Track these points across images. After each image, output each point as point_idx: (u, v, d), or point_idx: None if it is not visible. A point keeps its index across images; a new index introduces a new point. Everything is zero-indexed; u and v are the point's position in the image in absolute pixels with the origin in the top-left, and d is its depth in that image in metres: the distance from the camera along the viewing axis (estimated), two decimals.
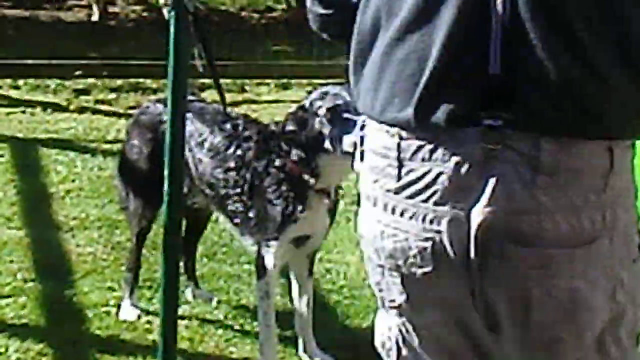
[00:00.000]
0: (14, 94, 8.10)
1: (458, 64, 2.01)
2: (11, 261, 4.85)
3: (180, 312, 3.70)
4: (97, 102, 7.97)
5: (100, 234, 5.24)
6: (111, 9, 11.57)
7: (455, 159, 2.02)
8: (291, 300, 4.16)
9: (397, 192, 2.09)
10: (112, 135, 7.06)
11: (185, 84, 3.27)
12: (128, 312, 4.33)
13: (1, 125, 7.19)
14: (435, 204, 2.05)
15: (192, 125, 4.00)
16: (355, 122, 2.44)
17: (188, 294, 4.48)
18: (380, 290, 2.25)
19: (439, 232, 2.06)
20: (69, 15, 11.49)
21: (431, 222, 2.06)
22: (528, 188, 2.00)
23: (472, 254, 2.04)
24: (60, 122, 7.33)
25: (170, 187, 3.30)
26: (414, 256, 2.11)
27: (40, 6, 11.57)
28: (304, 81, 8.85)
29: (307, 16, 2.41)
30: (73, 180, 6.04)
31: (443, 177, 2.03)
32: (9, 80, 8.28)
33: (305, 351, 4.05)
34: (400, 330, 2.27)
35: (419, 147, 2.06)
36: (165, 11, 3.24)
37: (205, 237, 4.76)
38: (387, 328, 2.32)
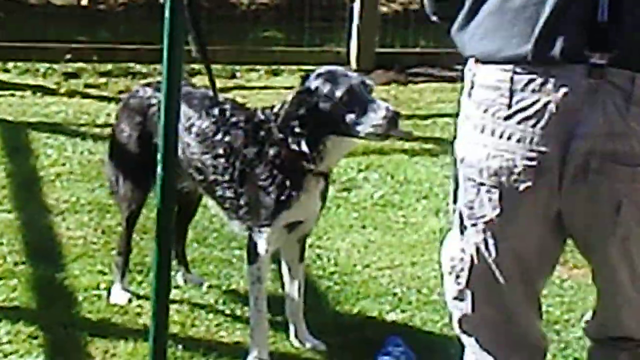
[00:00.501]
0: (3, 77, 8.07)
1: (571, 11, 2.45)
2: (1, 244, 4.85)
3: (170, 296, 3.69)
4: (87, 86, 7.95)
5: (90, 217, 5.24)
6: None
7: (563, 90, 2.48)
8: (282, 285, 4.17)
9: (507, 118, 2.55)
10: (102, 119, 7.04)
11: (180, 68, 3.26)
12: (119, 296, 4.34)
13: None
14: (542, 128, 2.50)
15: (180, 109, 3.98)
16: (371, 101, 3.43)
17: (179, 278, 4.49)
18: (471, 208, 2.66)
19: (543, 152, 2.51)
20: None
21: (537, 144, 2.51)
22: (622, 116, 2.47)
23: (571, 172, 2.50)
24: (51, 106, 7.31)
25: (164, 170, 3.30)
26: (519, 173, 2.54)
27: None
28: (294, 67, 8.86)
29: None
30: (63, 164, 6.03)
31: (551, 106, 2.50)
32: None
33: (296, 336, 4.06)
34: (478, 248, 2.67)
35: (531, 80, 2.51)
36: None
37: (196, 221, 4.76)
38: (459, 250, 2.72)
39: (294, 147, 3.70)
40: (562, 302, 4.48)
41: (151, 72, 8.27)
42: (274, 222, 3.79)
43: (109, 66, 8.39)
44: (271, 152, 3.77)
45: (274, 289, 4.40)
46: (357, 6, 8.87)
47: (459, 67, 10.22)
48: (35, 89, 7.72)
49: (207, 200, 4.22)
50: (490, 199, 2.63)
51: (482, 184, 2.63)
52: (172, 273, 3.91)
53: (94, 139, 6.51)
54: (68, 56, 8.25)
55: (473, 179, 2.65)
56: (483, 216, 2.65)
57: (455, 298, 2.79)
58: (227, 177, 3.89)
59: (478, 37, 2.63)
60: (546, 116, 2.51)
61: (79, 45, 8.61)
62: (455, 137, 2.82)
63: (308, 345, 4.05)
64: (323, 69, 3.79)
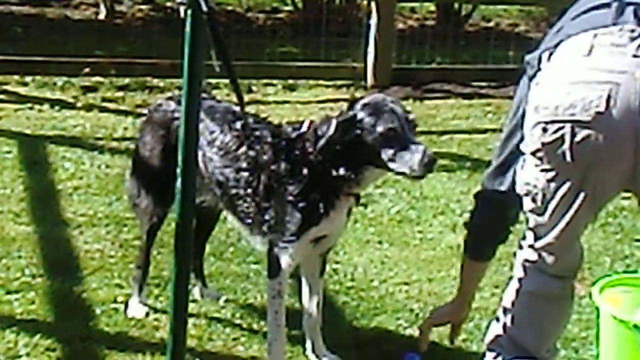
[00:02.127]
0: (22, 90, 8.11)
1: None
2: (19, 257, 4.86)
3: (188, 310, 3.70)
4: (104, 100, 7.99)
5: (108, 230, 5.26)
6: (118, 8, 11.58)
7: None
8: (299, 299, 4.17)
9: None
10: (119, 133, 7.07)
11: (200, 82, 3.27)
12: (136, 309, 4.34)
13: (9, 121, 7.21)
14: None
15: (202, 123, 4.00)
16: (411, 141, 3.62)
17: (196, 292, 4.50)
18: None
19: None
20: (76, 13, 11.50)
21: None
22: None
23: None
24: (68, 119, 7.34)
25: (184, 184, 3.31)
26: None
27: (47, 4, 11.60)
28: (311, 82, 8.88)
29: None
30: (81, 178, 6.05)
31: None
32: (16, 77, 8.30)
33: (313, 351, 4.06)
34: None
35: None
36: (181, 9, 3.23)
37: (213, 236, 4.77)
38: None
39: (333, 171, 3.70)
40: (580, 319, 4.46)
41: (168, 86, 8.31)
42: (301, 237, 3.78)
43: (126, 80, 8.43)
44: (305, 171, 3.76)
45: (289, 303, 4.40)
46: (373, 22, 8.89)
47: (475, 83, 10.26)
48: (53, 102, 7.75)
49: (226, 214, 4.22)
50: None
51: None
52: (190, 287, 3.92)
53: (111, 152, 6.53)
54: (86, 70, 8.29)
55: None
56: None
57: None
58: (249, 191, 3.89)
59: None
60: None
61: (96, 59, 8.65)
62: None
63: None
64: (371, 98, 3.76)
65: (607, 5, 3.20)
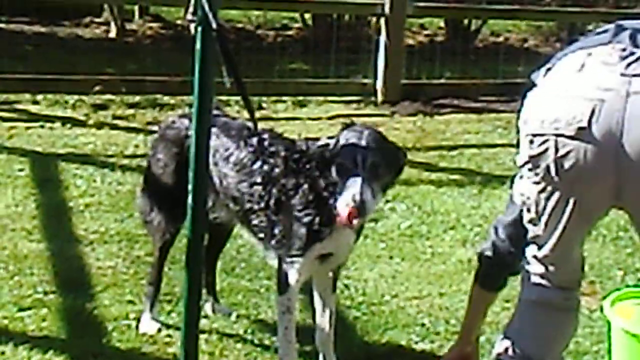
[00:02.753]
0: (33, 109, 8.16)
1: None
2: (32, 274, 4.88)
3: (199, 326, 3.71)
4: (115, 117, 8.02)
5: (119, 247, 5.27)
6: (128, 26, 11.64)
7: None
8: (312, 315, 4.18)
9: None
10: (130, 150, 7.10)
11: (211, 99, 3.30)
12: (148, 326, 4.35)
13: (21, 139, 7.24)
14: None
15: (218, 140, 4.02)
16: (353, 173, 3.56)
17: (207, 308, 4.50)
18: None
19: None
20: (87, 32, 11.57)
21: None
22: None
23: None
24: (80, 137, 7.38)
25: (195, 201, 3.33)
26: None
27: (58, 23, 11.66)
28: (321, 98, 8.90)
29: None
30: (92, 195, 6.08)
31: None
32: (28, 96, 8.35)
33: None
34: None
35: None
36: (192, 26, 3.25)
37: (224, 252, 4.77)
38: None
39: (329, 188, 3.71)
40: (592, 332, 4.46)
41: (178, 103, 8.34)
42: (305, 253, 3.79)
43: (137, 98, 8.47)
44: (306, 185, 3.78)
45: (301, 318, 4.41)
46: (383, 38, 8.92)
47: (485, 98, 10.26)
48: (65, 120, 7.79)
49: (239, 230, 4.23)
50: None
51: None
52: (201, 303, 3.93)
53: (122, 169, 6.56)
54: (96, 88, 8.33)
55: None
56: None
57: None
58: (262, 206, 3.91)
59: None
60: None
61: (107, 77, 8.70)
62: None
63: None
64: (360, 125, 3.78)
65: (607, 30, 3.28)
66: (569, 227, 3.27)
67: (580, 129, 3.09)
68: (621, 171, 3.12)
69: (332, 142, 3.75)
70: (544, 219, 3.30)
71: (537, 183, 3.26)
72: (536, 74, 3.39)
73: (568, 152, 3.13)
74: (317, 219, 3.75)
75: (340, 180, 3.62)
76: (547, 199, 3.26)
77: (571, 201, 3.22)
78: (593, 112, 3.07)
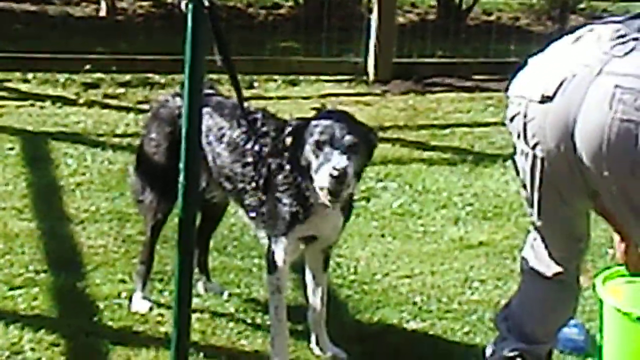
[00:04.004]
0: (23, 87, 8.12)
1: None
2: (23, 252, 4.87)
3: (191, 305, 3.71)
4: (105, 96, 7.99)
5: (110, 226, 5.27)
6: (119, 4, 11.59)
7: None
8: (304, 294, 4.18)
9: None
10: (121, 129, 7.08)
11: (202, 77, 3.28)
12: (140, 304, 4.35)
13: (11, 118, 7.22)
14: None
15: (212, 120, 4.01)
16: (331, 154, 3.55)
17: (199, 287, 4.50)
18: None
19: None
20: (77, 10, 11.52)
21: None
22: None
23: None
24: (70, 116, 7.35)
25: (186, 180, 3.31)
26: None
27: (48, 1, 11.61)
28: (312, 77, 8.88)
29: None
30: (83, 174, 6.06)
31: None
32: (18, 74, 8.31)
33: (317, 344, 4.07)
34: None
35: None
36: (183, 4, 3.23)
37: (216, 231, 4.77)
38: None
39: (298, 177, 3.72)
40: (584, 310, 4.47)
41: (169, 82, 8.32)
42: (288, 233, 3.79)
43: (128, 77, 8.44)
44: (287, 166, 3.78)
45: (293, 297, 4.41)
46: (374, 17, 8.90)
47: (476, 77, 10.23)
48: (55, 99, 7.76)
49: (231, 209, 4.22)
50: None
51: None
52: (193, 282, 3.93)
53: (113, 148, 6.54)
54: (87, 67, 8.30)
55: None
56: None
57: None
58: (253, 185, 3.90)
59: None
60: None
61: (98, 56, 8.66)
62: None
63: (329, 353, 4.06)
64: (329, 110, 3.79)
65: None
66: (542, 193, 3.30)
67: (545, 97, 3.12)
68: (576, 150, 3.12)
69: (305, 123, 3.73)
70: (527, 181, 3.34)
71: (521, 153, 3.30)
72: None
73: (532, 118, 3.18)
74: (296, 203, 3.74)
75: (318, 157, 3.59)
76: (524, 161, 3.30)
77: (538, 163, 3.25)
78: (562, 83, 3.09)
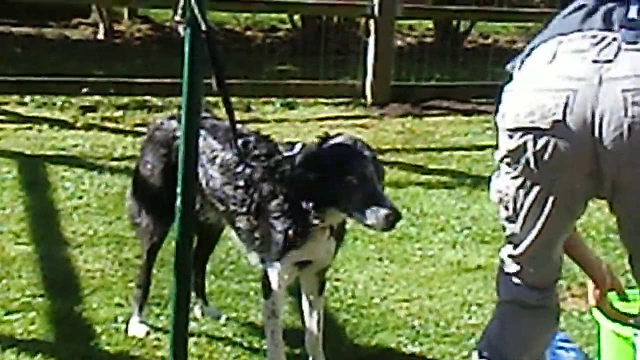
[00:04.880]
0: (21, 110, 8.14)
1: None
2: (20, 276, 4.86)
3: (188, 329, 3.70)
4: (103, 119, 8.01)
5: (108, 250, 5.26)
6: (117, 27, 11.63)
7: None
8: (301, 317, 4.17)
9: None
10: (118, 152, 7.09)
11: (199, 101, 3.29)
12: (137, 329, 4.34)
13: (9, 141, 7.22)
14: None
15: (205, 142, 4.01)
16: (380, 196, 3.62)
17: (196, 311, 4.49)
18: None
19: None
20: (75, 33, 11.55)
21: None
22: None
23: None
24: (67, 139, 7.36)
25: (183, 203, 3.31)
26: None
27: (46, 24, 11.64)
28: (310, 100, 8.90)
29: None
30: (80, 197, 6.06)
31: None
32: (16, 97, 8.34)
33: None
34: None
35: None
36: (180, 28, 3.24)
37: (213, 254, 4.76)
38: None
39: (301, 203, 3.69)
40: (582, 334, 4.46)
41: (167, 105, 8.33)
42: (282, 259, 3.79)
43: (125, 99, 8.47)
44: (282, 192, 3.76)
45: (290, 321, 4.40)
46: (372, 40, 8.92)
47: (474, 100, 10.25)
48: (53, 122, 7.77)
49: (227, 232, 4.22)
50: None
51: None
52: (190, 306, 3.92)
53: (110, 171, 6.54)
54: (85, 90, 8.31)
55: None
56: None
57: None
58: (244, 209, 3.90)
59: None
60: None
61: (95, 78, 8.68)
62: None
63: None
64: (343, 139, 3.74)
65: (582, 7, 3.22)
66: (548, 222, 3.21)
67: (555, 121, 3.04)
68: (599, 159, 3.06)
69: (317, 152, 3.70)
70: (522, 215, 3.24)
71: (516, 177, 3.20)
72: (511, 64, 3.34)
73: (546, 145, 3.09)
74: (292, 228, 3.73)
75: (359, 198, 3.58)
76: (526, 194, 3.20)
77: (551, 195, 3.17)
78: (567, 104, 3.02)
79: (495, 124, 3.30)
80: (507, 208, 3.27)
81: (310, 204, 3.68)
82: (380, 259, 5.34)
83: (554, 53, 3.11)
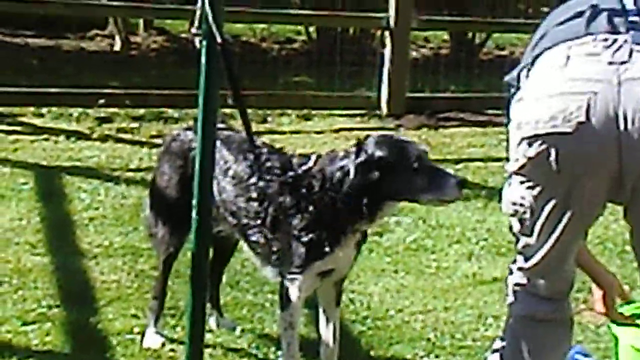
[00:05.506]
0: (37, 122, 8.16)
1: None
2: (36, 287, 4.87)
3: (204, 340, 3.70)
4: (119, 130, 8.03)
5: (124, 261, 5.26)
6: (133, 39, 11.66)
7: None
8: (317, 329, 4.16)
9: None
10: (134, 163, 7.10)
11: (215, 112, 3.29)
12: (152, 340, 4.33)
13: (25, 152, 7.24)
14: None
15: (218, 153, 4.01)
16: (439, 170, 3.71)
17: (212, 322, 4.49)
18: None
19: None
20: (92, 45, 11.59)
21: None
22: None
23: None
24: (84, 150, 7.38)
25: (199, 214, 3.32)
26: None
27: (63, 36, 11.68)
28: (325, 112, 8.90)
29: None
30: (96, 208, 6.07)
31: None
32: (32, 109, 8.36)
33: None
34: None
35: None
36: (197, 41, 3.25)
37: (229, 266, 4.76)
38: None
39: (347, 210, 3.70)
40: (598, 348, 4.44)
41: (183, 116, 8.34)
42: (306, 270, 3.78)
43: (142, 111, 8.47)
44: (310, 207, 3.75)
45: (306, 332, 4.39)
46: (387, 51, 8.92)
47: (490, 111, 10.23)
48: (69, 133, 7.79)
49: (241, 244, 4.22)
50: None
51: None
52: (206, 317, 3.91)
53: (127, 183, 6.55)
54: (101, 101, 8.33)
55: None
56: None
57: None
58: (258, 222, 3.89)
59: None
60: None
61: (111, 90, 8.71)
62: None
63: None
64: (381, 136, 3.78)
65: (581, 14, 3.21)
66: (565, 232, 3.19)
67: (579, 123, 3.03)
68: (623, 159, 3.06)
69: (365, 157, 3.69)
70: (538, 225, 3.21)
71: (533, 187, 3.18)
72: (511, 76, 3.34)
73: (569, 149, 3.07)
74: (320, 241, 3.74)
75: (424, 179, 3.65)
76: (544, 204, 3.17)
77: (569, 203, 3.14)
78: (589, 105, 3.02)
79: (507, 135, 3.28)
80: (522, 220, 3.25)
81: (362, 209, 3.68)
82: (395, 271, 5.33)
83: (566, 57, 3.11)
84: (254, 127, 7.51)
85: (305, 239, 3.75)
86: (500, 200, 3.38)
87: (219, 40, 3.16)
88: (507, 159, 3.32)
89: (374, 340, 4.51)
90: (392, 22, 8.84)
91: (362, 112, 8.94)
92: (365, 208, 3.68)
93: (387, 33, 8.97)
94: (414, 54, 10.94)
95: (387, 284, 5.15)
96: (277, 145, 4.16)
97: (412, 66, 9.40)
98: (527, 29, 10.83)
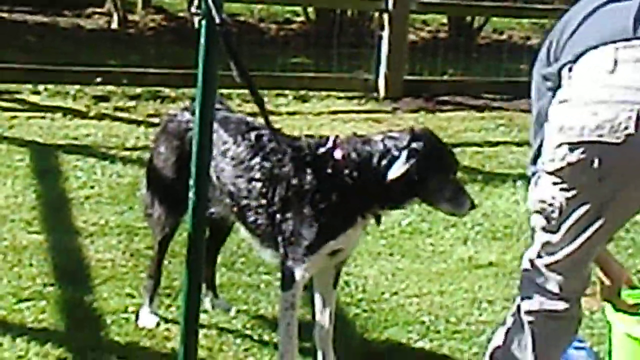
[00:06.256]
0: (34, 99, 8.14)
1: None
2: (31, 265, 4.86)
3: (199, 321, 3.69)
4: (116, 109, 8.01)
5: (119, 240, 5.25)
6: (131, 17, 11.62)
7: None
8: (312, 312, 4.16)
9: None
10: (131, 142, 7.09)
11: (214, 93, 3.27)
12: (147, 319, 4.34)
13: (21, 130, 7.23)
14: None
15: (215, 134, 3.99)
16: (462, 191, 3.76)
17: (207, 303, 4.48)
18: None
19: None
20: (89, 23, 11.54)
21: None
22: None
23: None
24: (80, 128, 7.36)
25: (196, 195, 3.31)
26: None
27: (60, 13, 11.64)
28: (323, 94, 8.89)
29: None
30: (92, 187, 6.06)
31: None
32: (29, 86, 8.33)
33: None
34: None
35: None
36: (196, 20, 3.23)
37: (224, 247, 4.75)
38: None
39: (379, 196, 3.73)
40: (592, 334, 4.45)
41: (180, 95, 8.33)
42: (318, 250, 3.77)
43: (139, 90, 8.45)
44: (332, 189, 3.74)
45: (301, 314, 4.38)
46: (385, 34, 8.90)
47: (487, 95, 10.22)
48: (66, 111, 7.77)
49: (237, 226, 4.21)
50: None
51: None
52: (201, 298, 3.91)
53: (123, 161, 6.54)
54: (98, 79, 8.31)
55: None
56: None
57: None
58: (263, 202, 3.88)
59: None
60: None
61: (108, 68, 8.68)
62: None
63: None
64: (429, 132, 3.81)
65: (627, 10, 3.11)
66: (593, 237, 3.14)
67: (628, 135, 2.96)
68: None
69: (420, 153, 3.69)
70: (565, 225, 3.16)
71: (567, 190, 3.11)
72: (550, 71, 3.27)
73: (615, 159, 3.00)
74: (335, 220, 3.74)
75: (449, 190, 3.73)
76: (576, 208, 3.11)
77: (604, 210, 3.09)
78: (638, 117, 2.94)
79: (535, 130, 3.22)
80: (548, 219, 3.20)
81: (395, 194, 3.72)
82: (391, 254, 5.34)
83: (614, 62, 3.02)
84: (252, 108, 7.51)
85: (323, 219, 3.74)
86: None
87: (217, 20, 3.14)
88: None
89: (368, 323, 4.51)
90: (390, 5, 8.82)
91: (360, 94, 8.93)
92: (392, 196, 3.70)
93: (385, 15, 8.95)
94: (412, 37, 10.92)
95: (383, 267, 5.15)
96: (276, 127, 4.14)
97: (410, 49, 9.38)
98: (526, 13, 10.88)
